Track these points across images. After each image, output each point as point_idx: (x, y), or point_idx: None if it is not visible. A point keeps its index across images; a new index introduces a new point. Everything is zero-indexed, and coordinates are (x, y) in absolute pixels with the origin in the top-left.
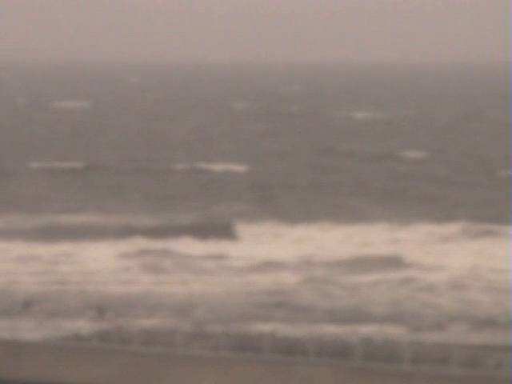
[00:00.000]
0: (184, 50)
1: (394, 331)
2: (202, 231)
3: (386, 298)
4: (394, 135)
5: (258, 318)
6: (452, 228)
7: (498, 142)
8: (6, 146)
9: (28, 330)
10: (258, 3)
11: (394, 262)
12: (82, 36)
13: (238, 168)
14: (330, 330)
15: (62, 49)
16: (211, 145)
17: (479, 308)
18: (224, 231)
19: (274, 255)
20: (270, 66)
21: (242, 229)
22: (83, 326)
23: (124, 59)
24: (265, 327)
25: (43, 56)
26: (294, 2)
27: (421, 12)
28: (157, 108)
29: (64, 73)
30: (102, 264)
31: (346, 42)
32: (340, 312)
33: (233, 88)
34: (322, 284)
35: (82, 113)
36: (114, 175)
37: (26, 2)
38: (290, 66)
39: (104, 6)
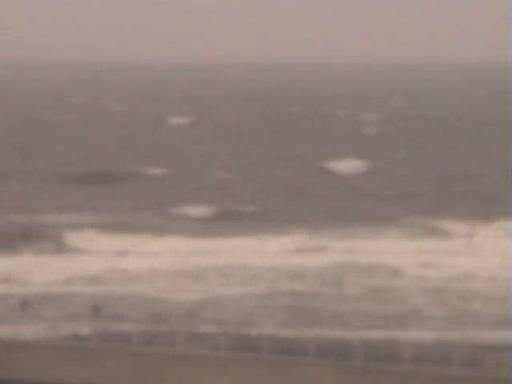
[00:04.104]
0: (183, 50)
1: None
2: None
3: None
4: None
5: None
6: None
7: None
8: None
9: None
10: (259, 3)
11: None
12: (86, 35)
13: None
14: None
15: (62, 48)
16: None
17: None
18: None
19: None
20: (275, 65)
21: None
22: None
23: (125, 60)
24: None
25: (44, 55)
26: (294, 1)
27: (420, 12)
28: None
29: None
30: None
31: (346, 41)
32: None
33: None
34: None
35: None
36: None
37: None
38: (289, 66)
39: (108, 5)
